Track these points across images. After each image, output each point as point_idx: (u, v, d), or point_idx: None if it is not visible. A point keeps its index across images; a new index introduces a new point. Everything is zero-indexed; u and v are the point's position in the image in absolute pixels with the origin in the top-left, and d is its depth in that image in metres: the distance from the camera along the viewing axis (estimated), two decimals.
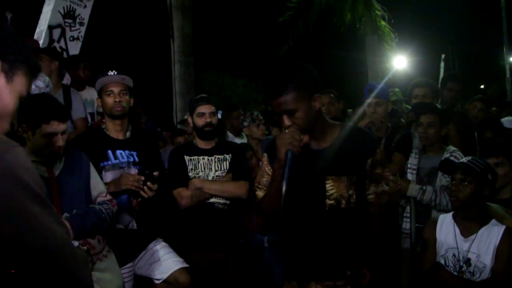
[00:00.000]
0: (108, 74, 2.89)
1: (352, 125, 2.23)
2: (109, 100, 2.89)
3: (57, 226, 0.98)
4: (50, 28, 4.87)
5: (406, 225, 3.31)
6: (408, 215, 3.28)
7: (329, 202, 2.06)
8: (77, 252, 1.03)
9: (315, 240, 2.08)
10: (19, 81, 1.15)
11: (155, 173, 2.74)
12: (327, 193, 2.06)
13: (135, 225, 2.87)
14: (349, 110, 5.09)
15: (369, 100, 3.66)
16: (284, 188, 1.84)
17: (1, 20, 4.31)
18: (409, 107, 4.92)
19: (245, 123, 4.38)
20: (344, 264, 2.07)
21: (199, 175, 3.18)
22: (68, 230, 1.03)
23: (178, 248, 3.04)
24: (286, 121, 1.97)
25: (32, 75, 1.20)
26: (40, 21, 4.97)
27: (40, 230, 0.95)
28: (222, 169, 3.22)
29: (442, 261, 2.55)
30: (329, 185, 2.06)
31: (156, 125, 5.56)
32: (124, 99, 2.90)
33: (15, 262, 0.92)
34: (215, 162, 3.22)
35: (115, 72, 2.89)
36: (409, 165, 3.35)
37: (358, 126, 2.29)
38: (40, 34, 4.88)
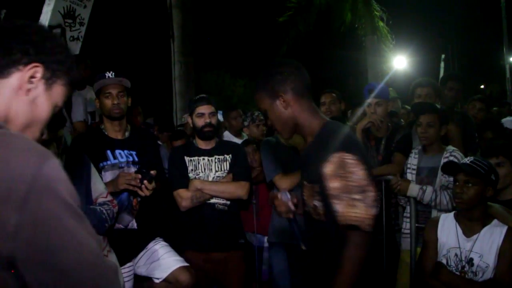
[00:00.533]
0: (105, 76, 2.90)
1: (331, 123, 1.93)
2: (108, 102, 2.90)
3: (90, 239, 0.98)
4: (50, 28, 4.86)
5: (406, 225, 3.32)
6: (408, 215, 3.28)
7: (306, 209, 1.96)
8: (108, 264, 1.02)
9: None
10: (57, 91, 1.16)
11: (152, 172, 2.74)
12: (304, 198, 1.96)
13: (135, 224, 2.87)
14: (348, 110, 5.07)
15: (369, 100, 3.65)
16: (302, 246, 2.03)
17: None
18: (407, 107, 4.92)
19: (245, 123, 4.38)
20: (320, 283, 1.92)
21: (199, 175, 3.18)
22: (99, 242, 1.03)
23: (178, 248, 3.04)
24: (268, 121, 2.03)
25: (71, 87, 1.20)
26: (40, 21, 4.96)
27: (74, 245, 0.95)
28: (223, 169, 3.21)
29: (444, 261, 2.55)
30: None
31: (149, 126, 5.53)
32: (122, 101, 2.93)
33: (46, 274, 0.92)
34: (215, 162, 3.22)
35: (113, 74, 2.90)
36: (409, 165, 3.35)
37: (339, 124, 1.97)
38: None
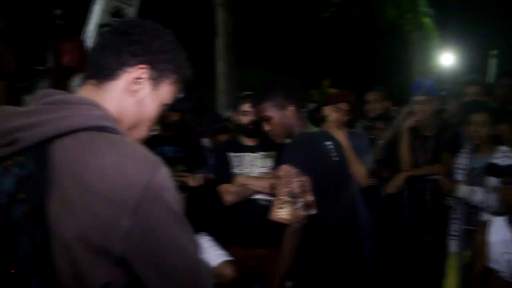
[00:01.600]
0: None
1: (298, 136, 2.29)
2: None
3: (191, 245, 1.05)
4: (99, 27, 5.00)
5: (454, 227, 3.22)
6: (456, 216, 3.19)
7: None
8: (205, 267, 1.09)
9: None
10: (165, 89, 1.17)
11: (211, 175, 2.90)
12: None
13: None
14: (394, 108, 4.95)
15: (416, 98, 3.56)
16: None
17: (50, 17, 4.45)
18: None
19: None
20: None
21: (243, 171, 3.20)
22: (199, 246, 1.09)
23: (221, 243, 3.06)
24: (266, 126, 2.36)
25: (182, 84, 1.22)
26: (88, 20, 5.12)
27: (177, 250, 1.01)
28: (267, 165, 3.22)
29: (496, 267, 2.46)
30: None
31: (217, 121, 5.65)
32: None
33: (152, 274, 1.00)
34: (259, 159, 3.23)
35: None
36: (458, 165, 3.25)
37: (304, 136, 2.30)
38: (89, 33, 5.03)
